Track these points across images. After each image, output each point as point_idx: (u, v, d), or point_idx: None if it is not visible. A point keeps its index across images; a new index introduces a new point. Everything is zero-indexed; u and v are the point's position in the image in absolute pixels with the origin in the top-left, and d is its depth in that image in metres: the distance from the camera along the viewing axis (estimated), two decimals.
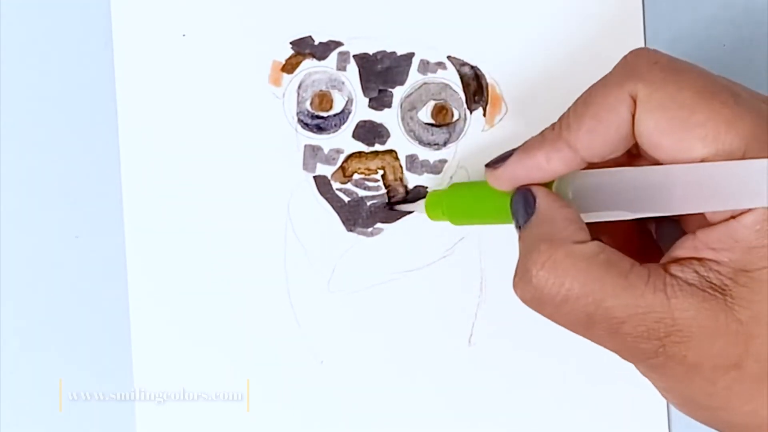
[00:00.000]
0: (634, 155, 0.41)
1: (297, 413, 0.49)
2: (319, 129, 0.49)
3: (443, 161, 0.49)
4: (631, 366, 0.49)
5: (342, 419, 0.49)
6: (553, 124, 0.41)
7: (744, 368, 0.37)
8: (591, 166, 0.40)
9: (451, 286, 0.49)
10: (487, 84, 0.49)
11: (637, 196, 0.38)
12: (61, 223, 0.49)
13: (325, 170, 0.49)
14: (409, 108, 0.48)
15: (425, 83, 0.48)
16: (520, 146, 0.42)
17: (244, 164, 0.48)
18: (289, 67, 0.49)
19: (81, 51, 0.49)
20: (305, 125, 0.49)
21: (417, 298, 0.49)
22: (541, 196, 0.40)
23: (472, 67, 0.49)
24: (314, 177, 0.49)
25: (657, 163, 0.39)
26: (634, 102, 0.38)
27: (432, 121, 0.48)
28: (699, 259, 0.37)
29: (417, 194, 0.49)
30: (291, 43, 0.49)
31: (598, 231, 0.41)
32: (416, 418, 0.49)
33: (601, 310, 0.37)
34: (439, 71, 0.48)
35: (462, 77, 0.49)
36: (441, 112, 0.49)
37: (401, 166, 0.49)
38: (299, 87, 0.49)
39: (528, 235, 0.39)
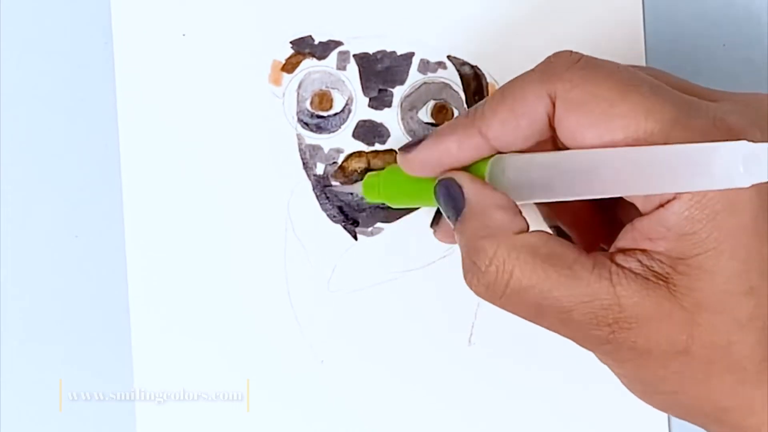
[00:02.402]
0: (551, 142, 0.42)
1: (297, 413, 0.49)
2: (319, 128, 0.49)
3: None
4: None
5: (342, 419, 0.49)
6: (468, 111, 0.41)
7: (691, 354, 0.37)
8: None
9: (451, 286, 0.49)
10: (487, 83, 0.49)
11: (563, 180, 0.38)
12: (61, 223, 0.49)
13: (325, 170, 0.49)
14: (409, 107, 0.48)
15: (425, 83, 0.48)
16: (432, 132, 0.42)
17: (244, 164, 0.48)
18: (289, 66, 0.49)
19: (81, 51, 0.49)
20: (305, 125, 0.49)
21: (417, 298, 0.49)
22: (469, 186, 0.40)
23: (473, 67, 0.49)
24: (314, 176, 0.49)
25: None
26: (552, 102, 0.38)
27: (432, 121, 0.49)
28: (641, 250, 0.37)
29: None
30: (291, 42, 0.49)
31: (559, 213, 0.42)
32: (416, 417, 0.49)
33: (549, 300, 0.38)
34: (440, 71, 0.49)
35: (462, 77, 0.49)
36: (441, 111, 0.49)
37: None
38: (299, 86, 0.49)
39: (466, 230, 0.39)
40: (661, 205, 0.37)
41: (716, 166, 0.33)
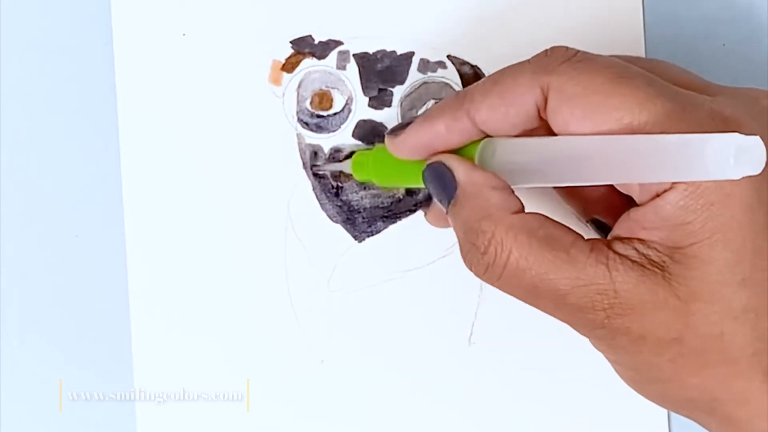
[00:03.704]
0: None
1: (297, 413, 0.49)
2: (319, 128, 0.49)
3: None
4: None
5: (342, 419, 0.49)
6: (457, 94, 0.41)
7: (685, 342, 0.37)
8: None
9: (451, 286, 0.49)
10: None
11: (555, 165, 0.39)
12: (61, 222, 0.49)
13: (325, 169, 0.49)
14: (409, 107, 0.48)
15: (425, 82, 0.49)
16: (419, 115, 0.42)
17: (244, 164, 0.48)
18: (289, 66, 0.49)
19: (81, 51, 0.49)
20: (305, 124, 0.49)
21: (417, 298, 0.49)
22: (459, 169, 0.40)
23: (472, 66, 0.49)
24: (314, 176, 0.49)
25: None
26: (543, 95, 0.39)
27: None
28: (638, 239, 0.38)
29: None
30: (291, 42, 0.49)
31: (594, 207, 0.42)
32: (416, 417, 0.49)
33: (545, 283, 0.38)
34: (439, 70, 0.49)
35: (462, 76, 0.49)
36: None
37: None
38: (299, 86, 0.49)
39: (460, 212, 0.40)
40: (657, 195, 0.37)
41: (708, 157, 0.34)
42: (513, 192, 0.39)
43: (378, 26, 0.49)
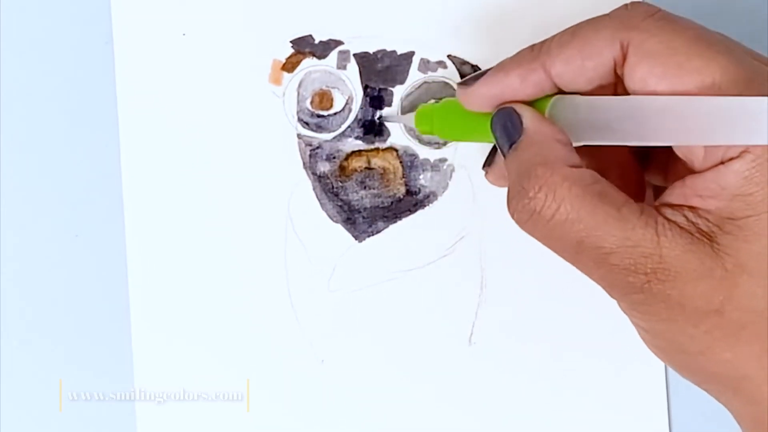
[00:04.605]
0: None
1: (297, 413, 0.49)
2: (320, 128, 0.49)
3: (443, 160, 0.49)
4: (631, 365, 0.49)
5: (342, 419, 0.49)
6: (533, 46, 0.41)
7: (725, 315, 0.37)
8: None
9: (451, 286, 0.49)
10: None
11: (629, 123, 0.38)
12: (61, 222, 0.49)
13: (326, 169, 0.49)
14: (410, 107, 0.48)
15: (425, 82, 0.49)
16: (493, 66, 0.42)
17: (244, 163, 0.48)
18: (290, 65, 0.49)
19: (81, 51, 0.49)
20: (305, 124, 0.49)
21: (417, 298, 0.49)
22: (528, 117, 0.40)
23: (473, 66, 0.49)
24: (314, 176, 0.49)
25: None
26: (622, 51, 0.38)
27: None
28: (689, 206, 0.37)
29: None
30: (291, 41, 0.49)
31: (595, 165, 0.41)
32: (416, 417, 0.49)
33: (591, 238, 0.37)
34: (440, 70, 0.49)
35: (462, 76, 0.48)
36: None
37: (401, 165, 0.49)
38: (299, 86, 0.49)
39: (519, 157, 0.39)
40: (722, 163, 0.37)
41: None
42: (574, 150, 0.39)
43: (378, 26, 0.49)
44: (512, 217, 0.39)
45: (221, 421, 0.49)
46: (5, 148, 0.49)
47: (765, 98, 0.35)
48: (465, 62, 0.49)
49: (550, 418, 0.49)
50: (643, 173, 0.44)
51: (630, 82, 0.38)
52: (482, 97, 0.41)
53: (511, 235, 0.48)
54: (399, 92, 0.48)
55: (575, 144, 0.39)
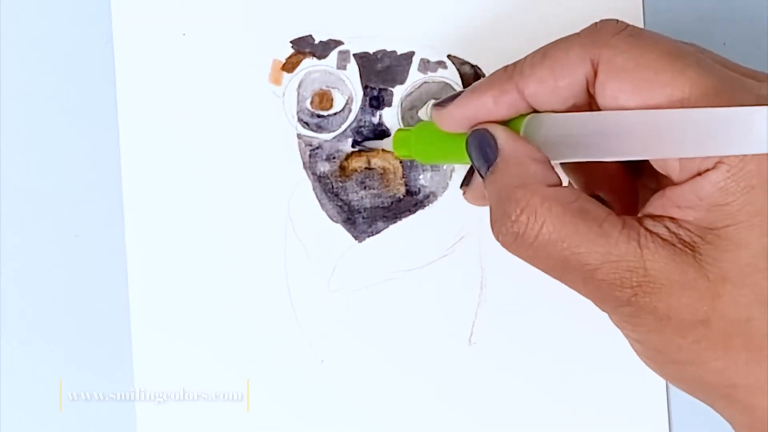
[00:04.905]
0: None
1: (297, 413, 0.49)
2: (320, 128, 0.49)
3: None
4: (631, 366, 0.49)
5: (342, 419, 0.49)
6: (506, 67, 0.41)
7: (711, 325, 0.37)
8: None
9: (451, 286, 0.49)
10: None
11: (602, 139, 0.38)
12: (61, 222, 0.49)
13: (326, 169, 0.49)
14: (410, 107, 0.48)
15: (425, 82, 0.49)
16: (468, 87, 0.42)
17: (244, 163, 0.48)
18: (290, 65, 0.49)
19: (81, 51, 0.49)
20: (305, 124, 0.49)
21: (417, 298, 0.49)
22: (502, 137, 0.40)
23: (473, 66, 0.49)
24: (314, 176, 0.49)
25: None
26: (593, 68, 0.38)
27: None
28: (669, 217, 0.38)
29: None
30: (291, 41, 0.49)
31: (597, 183, 0.42)
32: (416, 418, 0.49)
33: (576, 256, 0.37)
34: (440, 70, 0.49)
35: (462, 76, 0.49)
36: None
37: (401, 165, 0.49)
38: (299, 86, 0.49)
39: (497, 180, 0.39)
40: (698, 174, 0.37)
41: (756, 129, 0.34)
42: (552, 167, 0.39)
43: (378, 26, 0.49)
44: (497, 240, 0.39)
45: (221, 421, 0.49)
46: (5, 148, 0.49)
47: (734, 108, 0.35)
48: (465, 62, 0.49)
49: (550, 418, 0.49)
50: (636, 181, 0.44)
51: (602, 99, 0.39)
52: (456, 119, 0.42)
53: None
54: (399, 92, 0.48)
55: (553, 162, 0.39)
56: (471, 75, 0.49)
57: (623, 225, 0.38)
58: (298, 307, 0.49)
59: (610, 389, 0.49)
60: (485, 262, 0.49)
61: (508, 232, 0.38)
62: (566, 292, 0.48)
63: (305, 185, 0.49)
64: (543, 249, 0.38)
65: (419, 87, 0.48)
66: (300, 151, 0.49)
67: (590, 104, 0.40)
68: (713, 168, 0.36)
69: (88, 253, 0.49)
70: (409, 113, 0.48)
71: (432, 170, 0.49)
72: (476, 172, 0.41)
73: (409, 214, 0.49)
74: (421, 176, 0.49)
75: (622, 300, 0.37)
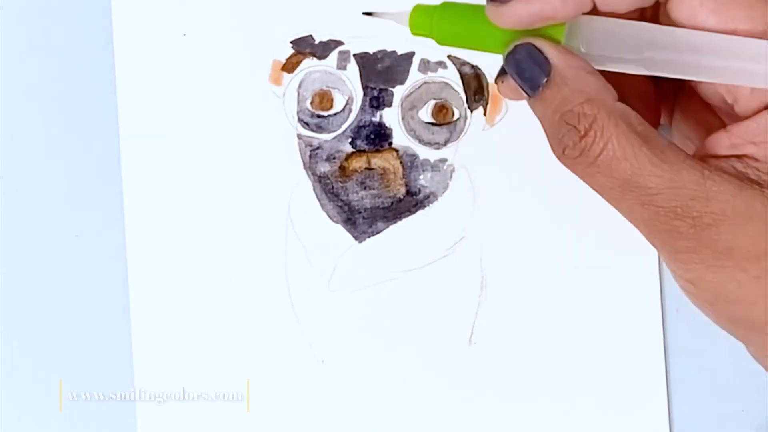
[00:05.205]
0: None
1: (297, 413, 0.49)
2: (320, 128, 0.49)
3: (443, 160, 0.49)
4: (631, 366, 0.49)
5: (342, 419, 0.49)
6: None
7: None
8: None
9: (451, 286, 0.49)
10: (487, 83, 0.49)
11: (655, 54, 0.37)
12: (61, 222, 0.49)
13: (326, 169, 0.49)
14: (410, 107, 0.48)
15: (426, 82, 0.49)
16: None
17: (244, 163, 0.48)
18: (290, 66, 0.49)
19: (81, 51, 0.49)
20: (305, 124, 0.49)
21: (417, 298, 0.49)
22: (552, 51, 0.37)
23: (473, 67, 0.49)
24: (314, 176, 0.49)
25: None
26: None
27: (432, 121, 0.49)
28: (737, 156, 0.36)
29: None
30: (291, 42, 0.49)
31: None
32: (416, 417, 0.49)
33: (637, 177, 0.36)
34: (440, 70, 0.48)
35: (462, 76, 0.49)
36: (441, 111, 0.49)
37: (402, 165, 0.49)
38: (299, 86, 0.49)
39: (557, 95, 0.37)
40: (767, 107, 0.36)
41: None
42: (609, 84, 0.37)
43: (378, 26, 0.48)
44: (559, 158, 0.37)
45: (221, 421, 0.49)
46: (5, 148, 0.49)
47: None
48: (465, 63, 0.49)
49: (550, 417, 0.49)
50: (661, 103, 0.42)
51: (676, 13, 0.37)
52: (519, 16, 0.38)
53: (511, 235, 0.49)
54: (399, 92, 0.48)
55: (598, 68, 0.38)
56: (471, 75, 0.49)
57: (686, 156, 0.36)
58: (298, 307, 0.49)
59: (610, 389, 0.49)
60: (485, 262, 0.49)
61: (575, 148, 0.37)
62: (566, 291, 0.49)
63: (305, 185, 0.49)
64: (605, 167, 0.36)
65: (419, 87, 0.48)
66: (300, 151, 0.49)
67: (651, 12, 0.38)
68: None
69: (88, 253, 0.49)
70: (409, 113, 0.48)
71: (432, 170, 0.49)
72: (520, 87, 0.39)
73: (409, 215, 0.49)
74: (421, 176, 0.49)
75: (681, 231, 0.36)
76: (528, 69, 0.38)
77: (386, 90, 0.48)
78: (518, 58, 0.38)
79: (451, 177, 0.49)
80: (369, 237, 0.49)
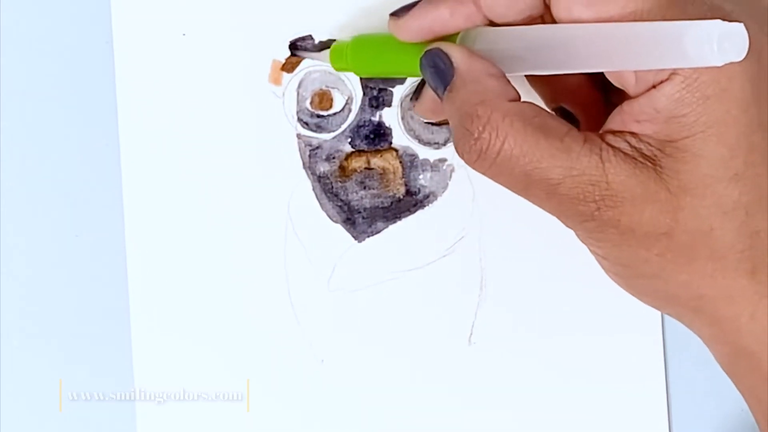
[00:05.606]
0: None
1: (297, 413, 0.49)
2: (319, 128, 0.49)
3: (443, 160, 0.49)
4: (631, 366, 0.49)
5: (342, 419, 0.49)
6: None
7: (674, 237, 0.37)
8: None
9: (451, 286, 0.49)
10: None
11: (542, 54, 0.38)
12: (61, 222, 0.49)
13: (325, 169, 0.49)
14: (409, 107, 0.48)
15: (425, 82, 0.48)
16: None
17: (244, 163, 0.48)
18: (289, 66, 0.49)
19: (81, 51, 0.49)
20: (305, 124, 0.49)
21: (417, 298, 0.49)
22: (457, 55, 0.40)
23: None
24: (314, 176, 0.49)
25: None
26: None
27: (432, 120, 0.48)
28: (630, 132, 0.38)
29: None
30: (291, 42, 0.49)
31: (562, 95, 0.42)
32: (416, 417, 0.49)
33: (538, 171, 0.37)
34: None
35: None
36: None
37: (401, 165, 0.49)
38: (299, 86, 0.49)
39: (457, 98, 0.39)
40: (653, 87, 0.37)
41: (690, 44, 0.34)
42: (509, 81, 0.39)
43: (378, 26, 0.48)
44: (462, 158, 0.39)
45: (221, 421, 0.49)
46: (5, 148, 0.49)
47: (685, 22, 0.35)
48: None
49: (550, 418, 0.49)
50: (602, 96, 0.43)
51: (556, 11, 0.38)
52: (412, 29, 0.42)
53: (511, 235, 0.49)
54: (399, 92, 0.48)
55: (508, 75, 0.39)
56: None
57: (585, 140, 0.38)
58: (298, 307, 0.49)
59: (610, 389, 0.49)
60: (485, 262, 0.49)
61: (472, 150, 0.38)
62: (566, 291, 0.49)
63: (305, 185, 0.49)
64: (506, 164, 0.38)
65: None
66: (300, 151, 0.49)
67: (543, 18, 0.40)
68: (668, 80, 0.36)
69: (88, 253, 0.49)
70: (409, 113, 0.48)
71: (432, 170, 0.49)
72: (430, 89, 0.41)
73: (408, 214, 0.49)
74: (420, 176, 0.49)
75: (586, 214, 0.38)
76: (436, 71, 0.40)
77: (386, 90, 0.48)
78: (427, 62, 0.40)
79: (450, 177, 0.49)
80: (368, 237, 0.49)
